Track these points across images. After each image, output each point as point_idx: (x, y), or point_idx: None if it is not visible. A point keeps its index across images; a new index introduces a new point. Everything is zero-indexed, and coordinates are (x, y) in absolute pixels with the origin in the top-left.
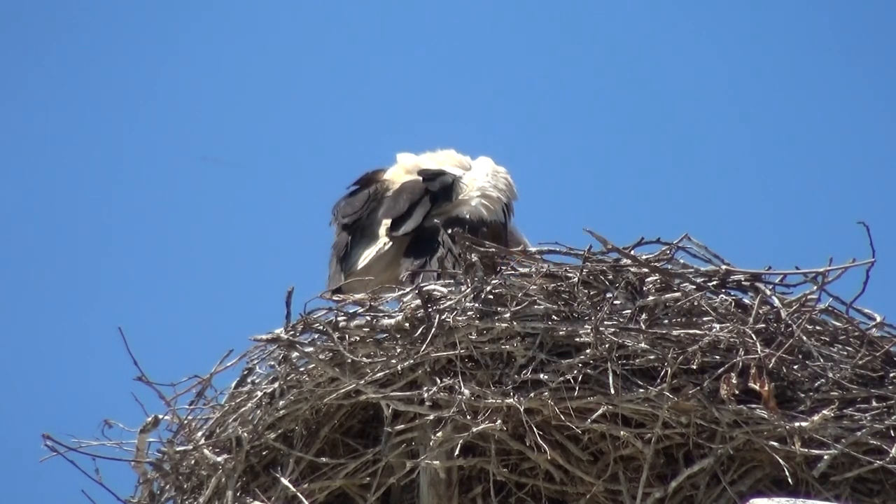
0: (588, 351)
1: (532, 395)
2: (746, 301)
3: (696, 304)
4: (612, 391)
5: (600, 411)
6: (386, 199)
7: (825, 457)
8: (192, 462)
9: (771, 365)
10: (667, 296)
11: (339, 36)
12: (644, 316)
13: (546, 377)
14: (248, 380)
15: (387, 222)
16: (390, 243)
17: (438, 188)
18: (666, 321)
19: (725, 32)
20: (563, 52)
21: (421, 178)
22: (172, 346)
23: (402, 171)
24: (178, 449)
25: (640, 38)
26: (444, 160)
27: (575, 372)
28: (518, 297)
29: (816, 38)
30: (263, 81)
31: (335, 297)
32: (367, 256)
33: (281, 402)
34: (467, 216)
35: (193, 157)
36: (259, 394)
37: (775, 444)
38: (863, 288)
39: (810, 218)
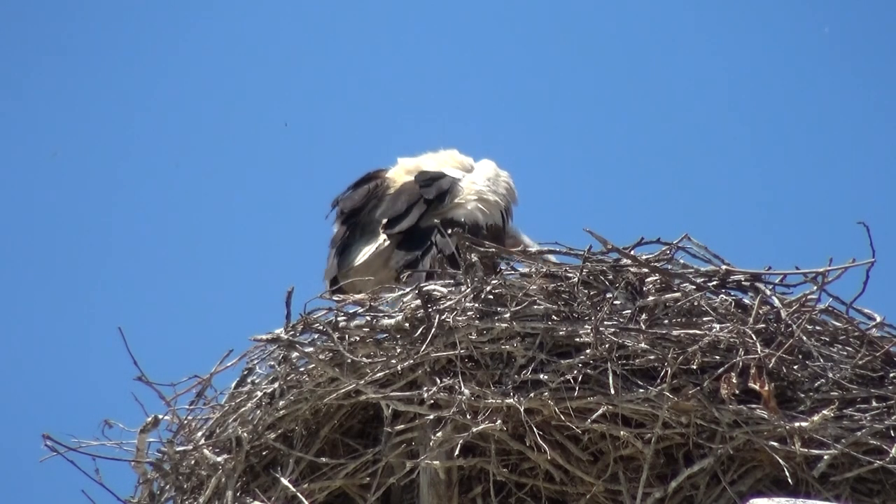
0: (588, 351)
1: (532, 395)
2: (746, 301)
3: (696, 304)
4: (612, 391)
5: (600, 411)
6: (386, 198)
7: (825, 457)
8: (192, 462)
9: (771, 365)
10: (667, 296)
11: (339, 36)
12: (644, 316)
13: (546, 377)
14: (248, 380)
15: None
16: (388, 242)
17: (434, 195)
18: (666, 321)
19: (725, 32)
20: (564, 52)
21: (417, 182)
22: (172, 346)
23: (402, 171)
24: (178, 449)
25: (641, 39)
26: (445, 160)
27: (575, 372)
28: (518, 297)
29: (816, 38)
30: (263, 81)
31: (335, 297)
32: (366, 253)
33: (281, 402)
34: (462, 219)
35: (193, 157)
36: (259, 394)
37: (775, 444)
38: (863, 288)
39: (810, 218)
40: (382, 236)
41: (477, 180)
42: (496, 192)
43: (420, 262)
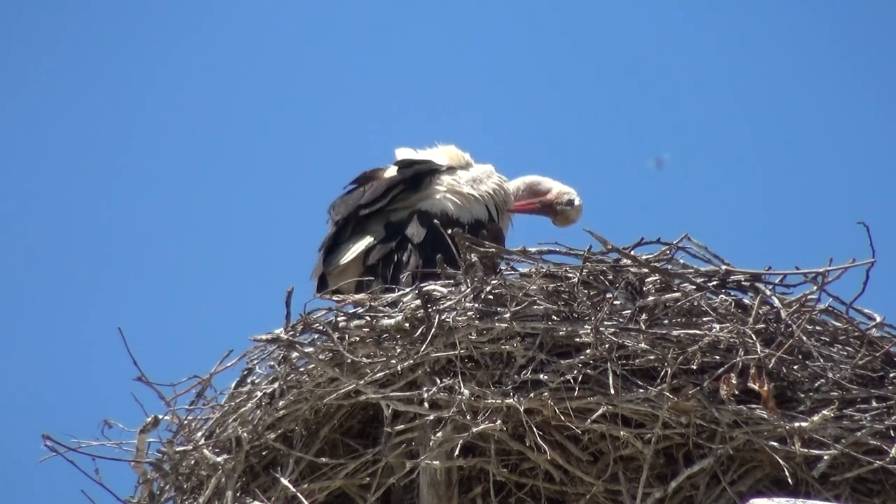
0: (588, 351)
1: (532, 395)
2: (746, 301)
3: (696, 304)
4: (612, 391)
5: (600, 411)
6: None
7: (825, 457)
8: (192, 462)
9: (771, 365)
10: (667, 296)
11: (338, 35)
12: (644, 316)
13: (546, 377)
14: (248, 380)
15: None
16: (376, 241)
17: (410, 175)
18: (666, 321)
19: (726, 32)
20: (564, 52)
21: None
22: (172, 346)
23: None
24: (177, 449)
25: (641, 38)
26: (440, 155)
27: (575, 372)
28: (518, 298)
29: (816, 37)
30: (263, 81)
31: (335, 298)
32: (354, 251)
33: (281, 403)
34: (430, 209)
35: (193, 157)
36: (259, 394)
37: (775, 444)
38: (863, 288)
39: (810, 218)
40: (370, 237)
41: (460, 175)
42: (478, 189)
43: (395, 253)
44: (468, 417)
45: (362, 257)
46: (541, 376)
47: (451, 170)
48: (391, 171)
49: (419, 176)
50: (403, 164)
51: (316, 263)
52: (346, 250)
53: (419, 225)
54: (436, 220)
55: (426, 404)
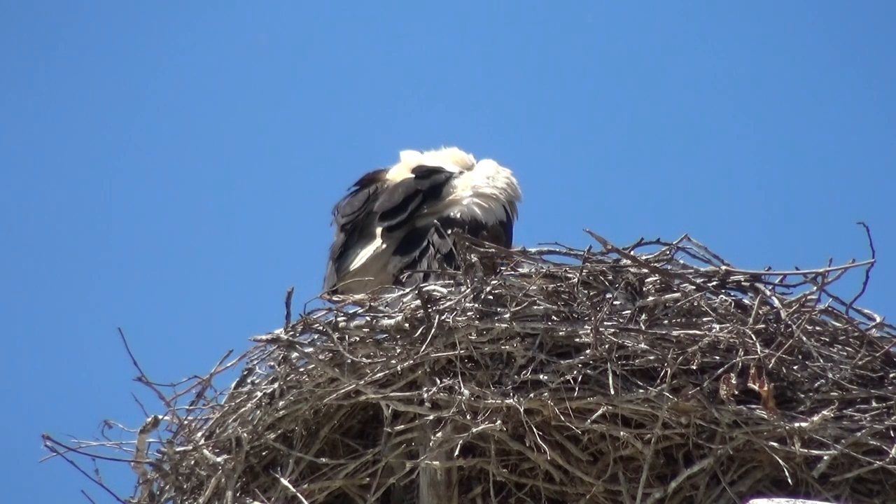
0: (588, 351)
1: (532, 395)
2: (746, 301)
3: (695, 304)
4: (612, 391)
5: (600, 412)
6: (382, 194)
7: (825, 457)
8: (192, 462)
9: (771, 365)
10: (667, 296)
11: (339, 34)
12: (644, 316)
13: (546, 377)
14: (248, 380)
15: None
16: (385, 244)
17: (428, 186)
18: (666, 321)
19: (726, 32)
20: (564, 52)
21: (414, 176)
22: (172, 346)
23: (405, 170)
24: (177, 449)
25: (641, 38)
26: (446, 158)
27: (575, 372)
28: (518, 298)
29: (816, 38)
30: (263, 81)
31: (335, 298)
32: (363, 256)
33: (281, 403)
34: (459, 216)
35: (194, 157)
36: (259, 394)
37: (775, 444)
38: (863, 288)
39: (810, 218)
40: (379, 239)
41: (475, 176)
42: (495, 186)
43: (418, 263)
44: (468, 417)
45: (372, 261)
46: (541, 376)
47: (460, 174)
48: (393, 173)
49: (437, 187)
50: (420, 174)
51: (327, 271)
52: (354, 255)
53: (445, 234)
54: (441, 227)
55: (426, 404)
